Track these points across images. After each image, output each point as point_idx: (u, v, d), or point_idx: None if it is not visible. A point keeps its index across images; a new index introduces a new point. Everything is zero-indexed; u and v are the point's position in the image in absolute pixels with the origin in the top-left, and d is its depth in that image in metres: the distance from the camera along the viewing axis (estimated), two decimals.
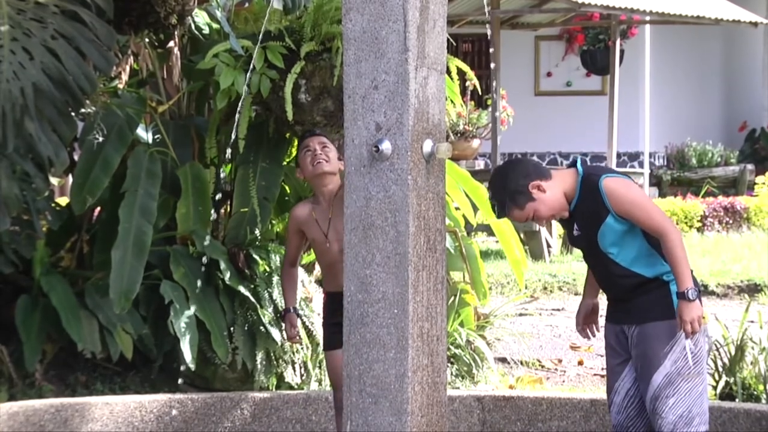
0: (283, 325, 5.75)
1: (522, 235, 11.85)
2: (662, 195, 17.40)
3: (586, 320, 4.87)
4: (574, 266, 12.04)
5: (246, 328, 6.73)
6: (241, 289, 6.70)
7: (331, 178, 5.36)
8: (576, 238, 4.66)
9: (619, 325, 4.67)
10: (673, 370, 4.51)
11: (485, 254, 12.10)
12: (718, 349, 6.55)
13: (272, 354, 6.77)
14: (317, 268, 7.30)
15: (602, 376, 7.64)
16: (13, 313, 6.61)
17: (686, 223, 14.80)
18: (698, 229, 14.79)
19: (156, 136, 7.22)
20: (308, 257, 7.08)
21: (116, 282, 6.34)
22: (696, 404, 4.54)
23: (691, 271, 4.49)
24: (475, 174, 10.79)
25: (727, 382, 6.45)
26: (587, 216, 4.55)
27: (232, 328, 6.70)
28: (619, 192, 4.49)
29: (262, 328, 6.69)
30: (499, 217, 4.61)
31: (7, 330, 6.63)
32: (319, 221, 5.36)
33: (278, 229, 7.36)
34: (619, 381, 4.69)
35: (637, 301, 4.57)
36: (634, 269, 4.54)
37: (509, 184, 4.51)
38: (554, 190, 4.54)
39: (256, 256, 6.86)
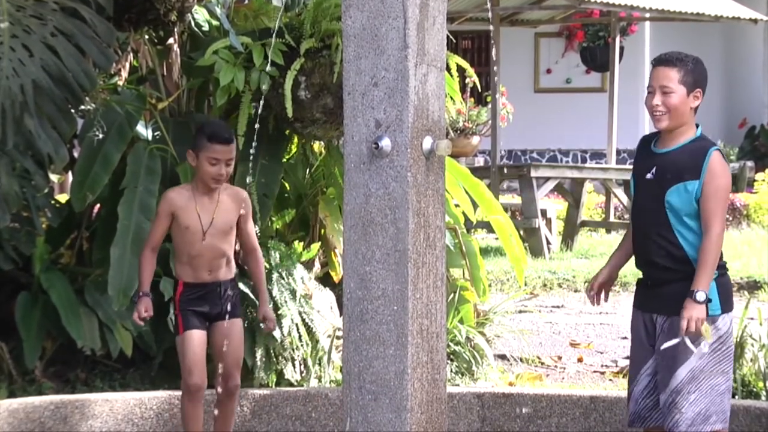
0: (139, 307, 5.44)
1: (522, 232, 11.86)
2: None
3: (600, 286, 4.85)
4: (574, 263, 12.04)
5: (245, 325, 6.71)
6: (241, 285, 6.69)
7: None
8: (645, 182, 4.65)
9: (648, 314, 4.66)
10: (698, 365, 4.51)
11: (485, 251, 12.10)
12: None
13: (272, 351, 6.77)
14: (317, 264, 7.30)
15: (602, 373, 7.64)
16: (12, 310, 6.62)
17: None
18: None
19: (156, 133, 7.21)
20: (308, 254, 7.07)
21: (115, 279, 6.33)
22: (715, 402, 4.54)
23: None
24: (475, 171, 10.81)
25: None
26: (674, 167, 4.58)
27: None
28: (718, 171, 4.57)
29: (261, 324, 6.68)
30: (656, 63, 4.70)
31: (7, 327, 6.63)
32: (200, 213, 5.33)
33: (278, 226, 7.35)
34: (642, 371, 4.69)
35: (671, 289, 4.54)
36: (681, 240, 4.54)
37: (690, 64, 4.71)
38: (688, 108, 4.70)
39: None
